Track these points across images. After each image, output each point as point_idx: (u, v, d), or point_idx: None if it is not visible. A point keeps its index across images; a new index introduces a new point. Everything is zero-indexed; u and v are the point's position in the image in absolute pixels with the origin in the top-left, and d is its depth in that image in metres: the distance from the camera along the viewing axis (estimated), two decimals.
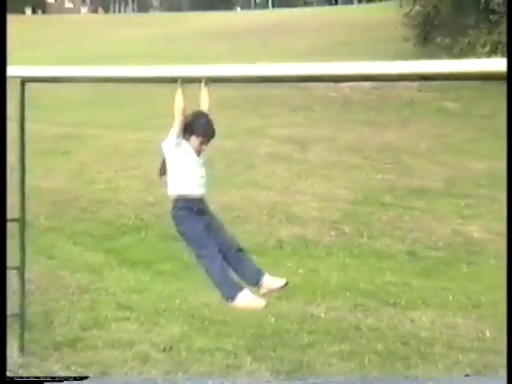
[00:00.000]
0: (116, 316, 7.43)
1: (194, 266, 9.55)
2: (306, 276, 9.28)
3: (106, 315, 7.44)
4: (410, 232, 11.32)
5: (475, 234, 11.32)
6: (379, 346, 6.73)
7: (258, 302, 5.13)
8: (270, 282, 5.23)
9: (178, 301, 8.09)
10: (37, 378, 4.40)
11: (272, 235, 11.04)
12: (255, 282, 5.25)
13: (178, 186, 5.20)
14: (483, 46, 19.69)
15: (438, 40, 21.61)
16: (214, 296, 8.26)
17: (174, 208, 5.25)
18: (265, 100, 18.66)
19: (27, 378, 4.42)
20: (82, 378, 4.38)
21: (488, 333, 7.31)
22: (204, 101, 5.35)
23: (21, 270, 6.32)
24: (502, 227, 11.54)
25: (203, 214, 5.27)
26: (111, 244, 10.50)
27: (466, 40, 20.26)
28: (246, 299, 5.14)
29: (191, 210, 5.19)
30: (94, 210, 12.01)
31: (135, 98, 18.78)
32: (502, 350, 6.81)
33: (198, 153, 5.23)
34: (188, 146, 5.17)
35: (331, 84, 18.81)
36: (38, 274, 8.29)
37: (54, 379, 4.40)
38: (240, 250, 5.33)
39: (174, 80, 5.20)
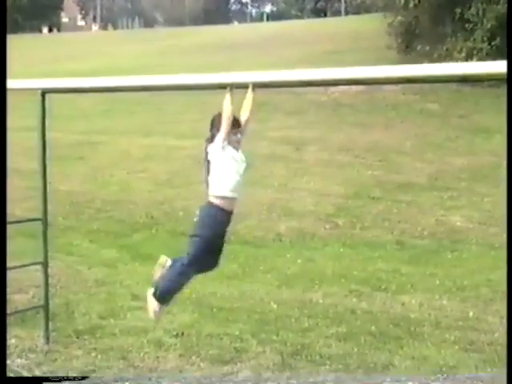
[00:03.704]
0: (131, 306, 7.43)
1: None
2: (304, 266, 9.29)
3: (122, 305, 7.44)
4: (398, 223, 11.33)
5: (458, 224, 11.33)
6: (373, 327, 6.73)
7: (155, 315, 5.20)
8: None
9: (187, 291, 8.06)
10: (37, 377, 4.35)
11: (271, 229, 11.04)
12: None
13: (218, 187, 5.07)
14: (460, 52, 19.69)
15: (419, 48, 21.56)
16: (221, 286, 8.33)
17: (206, 205, 5.12)
18: (261, 105, 18.56)
19: (27, 377, 4.38)
20: (82, 378, 4.32)
21: (471, 313, 7.31)
22: (248, 104, 5.24)
23: (44, 264, 6.31)
24: (482, 217, 11.57)
25: (223, 229, 5.14)
26: (124, 241, 10.51)
27: (444, 47, 20.25)
28: (156, 308, 5.21)
29: (218, 216, 5.07)
30: (108, 210, 12.02)
31: (145, 107, 18.78)
32: (485, 328, 6.84)
33: (237, 148, 5.08)
34: (232, 150, 5.10)
35: (322, 89, 18.80)
36: (58, 269, 8.28)
37: (53, 379, 4.35)
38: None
39: (221, 86, 5.06)
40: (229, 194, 5.05)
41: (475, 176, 13.59)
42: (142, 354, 6.08)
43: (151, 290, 5.22)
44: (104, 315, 7.12)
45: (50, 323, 6.41)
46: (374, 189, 12.83)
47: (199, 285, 8.32)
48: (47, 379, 4.34)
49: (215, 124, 5.06)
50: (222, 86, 5.04)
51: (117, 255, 9.77)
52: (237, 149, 5.05)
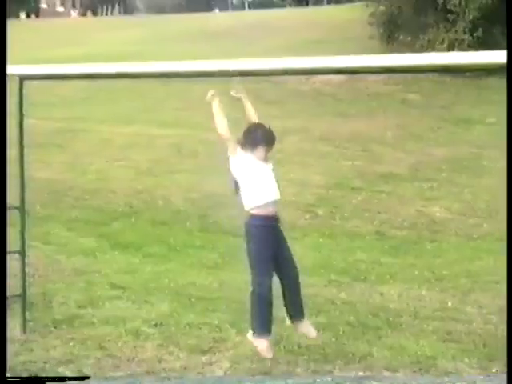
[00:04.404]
0: (109, 295, 7.41)
1: (180, 249, 9.64)
2: None
3: (101, 295, 7.42)
4: (378, 214, 11.38)
5: (437, 214, 11.40)
6: (352, 317, 6.75)
7: (267, 353, 5.29)
8: (305, 328, 5.44)
9: (166, 280, 8.08)
10: (37, 377, 4.32)
11: None
12: (294, 318, 5.39)
13: (252, 199, 5.15)
14: (442, 42, 19.77)
15: (401, 38, 21.63)
16: (200, 276, 8.33)
17: (247, 224, 5.22)
18: None
19: (27, 377, 4.36)
20: (83, 378, 4.31)
21: (450, 303, 7.37)
22: (250, 113, 5.33)
23: (22, 254, 6.29)
24: (462, 207, 11.65)
25: (275, 234, 5.23)
26: (103, 229, 10.47)
27: (426, 38, 20.30)
28: (262, 346, 5.28)
29: (264, 228, 5.13)
30: (87, 199, 11.97)
31: (125, 94, 18.68)
32: (463, 318, 6.89)
33: (265, 160, 5.22)
34: (253, 159, 5.11)
35: (303, 78, 18.82)
36: (36, 258, 8.24)
37: (54, 379, 4.34)
38: (297, 283, 5.36)
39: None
40: (262, 202, 5.10)
41: (456, 167, 13.67)
42: (120, 344, 6.07)
43: (250, 333, 5.31)
44: (82, 304, 7.09)
45: (27, 313, 6.38)
46: (354, 179, 12.87)
47: (178, 275, 8.34)
48: (48, 379, 4.33)
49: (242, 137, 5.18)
50: (203, 74, 5.03)
51: (95, 244, 9.73)
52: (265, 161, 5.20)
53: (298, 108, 17.75)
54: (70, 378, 4.30)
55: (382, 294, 7.67)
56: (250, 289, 5.27)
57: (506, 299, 4.24)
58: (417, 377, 3.88)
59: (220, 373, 5.49)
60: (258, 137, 5.26)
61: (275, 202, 5.26)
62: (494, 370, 5.58)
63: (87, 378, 4.31)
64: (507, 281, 4.23)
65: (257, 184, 5.20)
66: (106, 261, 8.94)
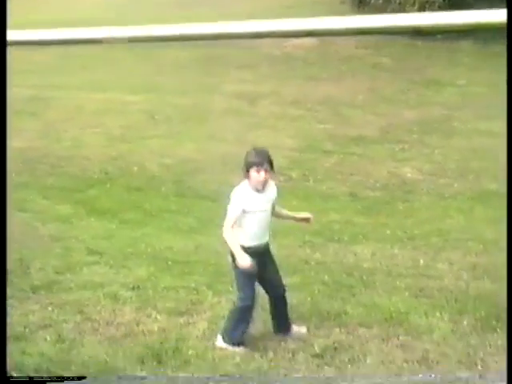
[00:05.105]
0: (87, 261, 7.41)
1: (156, 214, 9.63)
2: None
3: (78, 260, 7.41)
4: (351, 175, 11.43)
5: (409, 175, 11.47)
6: (326, 277, 6.82)
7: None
8: (297, 330, 5.53)
9: (143, 245, 8.09)
10: (37, 377, 4.33)
11: (226, 183, 11.00)
12: (283, 332, 5.51)
13: (240, 236, 5.23)
14: (412, 5, 19.70)
15: (372, 1, 21.53)
16: (176, 240, 8.35)
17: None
18: (213, 59, 18.52)
19: (27, 378, 4.37)
20: (81, 378, 4.32)
21: (422, 261, 7.46)
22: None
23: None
24: (433, 168, 11.74)
25: (261, 256, 5.32)
26: (79, 196, 10.41)
27: (397, 1, 20.25)
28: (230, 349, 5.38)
29: (249, 251, 5.19)
30: (62, 166, 11.87)
31: (98, 61, 18.46)
32: (435, 274, 6.99)
33: (262, 185, 5.20)
34: (250, 191, 5.20)
35: (274, 43, 18.72)
36: (12, 226, 8.17)
37: (54, 379, 4.35)
38: (284, 298, 5.49)
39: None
40: (246, 244, 5.20)
41: (426, 128, 13.73)
42: (98, 308, 6.09)
43: (220, 339, 5.47)
44: (60, 270, 7.08)
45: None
46: (326, 142, 12.88)
47: (155, 239, 8.35)
48: (48, 379, 4.34)
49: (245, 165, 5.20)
50: (176, 39, 4.97)
51: (72, 211, 9.68)
52: (260, 189, 5.20)
53: (269, 72, 17.67)
54: (70, 378, 4.33)
55: (355, 254, 7.75)
56: (235, 302, 5.44)
57: (506, 299, 4.33)
58: (416, 377, 3.98)
59: (198, 334, 5.54)
60: (247, 160, 5.25)
61: (261, 243, 5.36)
62: (465, 323, 5.69)
63: (84, 378, 4.34)
64: (507, 280, 4.31)
65: (245, 226, 5.26)
66: (83, 227, 8.91)
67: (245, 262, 5.07)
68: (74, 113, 14.87)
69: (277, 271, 5.50)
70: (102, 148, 12.71)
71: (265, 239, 5.39)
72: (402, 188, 10.92)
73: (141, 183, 11.07)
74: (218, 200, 10.25)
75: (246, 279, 5.26)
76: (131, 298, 6.33)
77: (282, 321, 5.57)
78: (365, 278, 6.88)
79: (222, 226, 5.27)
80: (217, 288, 6.50)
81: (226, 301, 6.17)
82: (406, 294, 6.39)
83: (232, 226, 5.16)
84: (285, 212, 5.54)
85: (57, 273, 7.01)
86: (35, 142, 13.06)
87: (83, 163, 11.98)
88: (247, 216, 5.21)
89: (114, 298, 6.31)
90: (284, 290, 5.54)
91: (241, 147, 12.79)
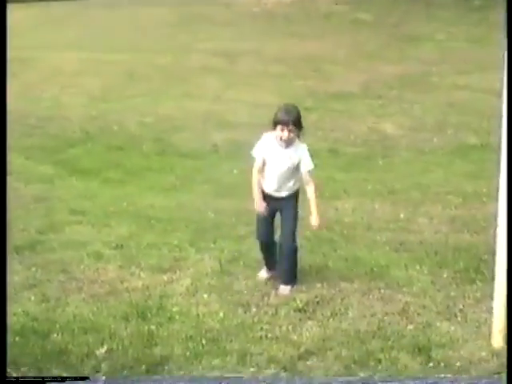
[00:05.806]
0: (69, 220, 7.37)
1: (137, 173, 9.60)
2: (240, 176, 9.26)
3: (60, 220, 7.37)
4: (331, 132, 11.43)
5: (388, 131, 11.49)
6: (307, 232, 6.82)
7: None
8: (283, 289, 5.52)
9: (125, 204, 8.06)
10: (37, 378, 4.30)
11: (207, 140, 11.00)
12: (284, 282, 5.54)
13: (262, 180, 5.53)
14: None
15: None
16: (158, 198, 8.33)
17: None
18: (191, 17, 18.31)
19: (27, 378, 4.35)
20: (83, 379, 4.28)
21: (402, 215, 7.50)
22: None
23: None
24: (413, 123, 11.76)
25: (276, 204, 5.56)
26: (60, 156, 10.34)
27: None
28: (263, 274, 5.80)
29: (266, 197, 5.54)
30: (42, 126, 11.77)
31: (75, 21, 18.24)
32: (415, 228, 7.03)
33: (286, 143, 5.34)
34: (274, 143, 5.37)
35: (254, 0, 18.55)
36: None
37: (55, 379, 4.32)
38: (286, 248, 5.59)
39: None
40: (267, 191, 5.49)
41: (405, 84, 13.72)
42: (82, 267, 6.06)
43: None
44: (43, 230, 7.04)
45: None
46: (307, 98, 12.83)
47: (137, 198, 8.33)
48: (48, 379, 4.31)
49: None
50: None
51: (53, 171, 9.61)
52: (284, 146, 5.35)
53: (250, 30, 17.54)
54: (70, 378, 4.31)
55: (336, 209, 7.77)
56: None
57: (506, 299, 4.35)
58: (416, 377, 4.01)
59: (181, 290, 5.55)
60: (275, 115, 5.35)
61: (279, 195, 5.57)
62: (444, 276, 5.74)
63: (87, 378, 4.31)
64: (507, 280, 4.33)
65: (265, 174, 5.51)
66: (65, 187, 8.86)
67: (257, 206, 5.52)
68: (53, 73, 14.73)
69: (289, 222, 5.62)
70: (81, 108, 12.62)
71: (284, 193, 5.56)
72: (382, 143, 10.95)
73: (121, 142, 11.00)
74: (199, 158, 10.28)
75: (261, 219, 5.60)
76: (114, 256, 6.30)
77: (281, 272, 5.61)
78: (346, 232, 6.91)
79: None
80: (199, 245, 6.50)
81: (209, 258, 6.18)
82: (387, 247, 6.43)
83: (258, 171, 5.50)
84: (309, 194, 5.70)
85: (40, 233, 6.96)
86: (15, 103, 12.86)
87: (63, 123, 11.89)
88: (267, 166, 5.47)
89: (98, 256, 6.28)
90: (291, 245, 5.61)
91: (221, 105, 12.80)
